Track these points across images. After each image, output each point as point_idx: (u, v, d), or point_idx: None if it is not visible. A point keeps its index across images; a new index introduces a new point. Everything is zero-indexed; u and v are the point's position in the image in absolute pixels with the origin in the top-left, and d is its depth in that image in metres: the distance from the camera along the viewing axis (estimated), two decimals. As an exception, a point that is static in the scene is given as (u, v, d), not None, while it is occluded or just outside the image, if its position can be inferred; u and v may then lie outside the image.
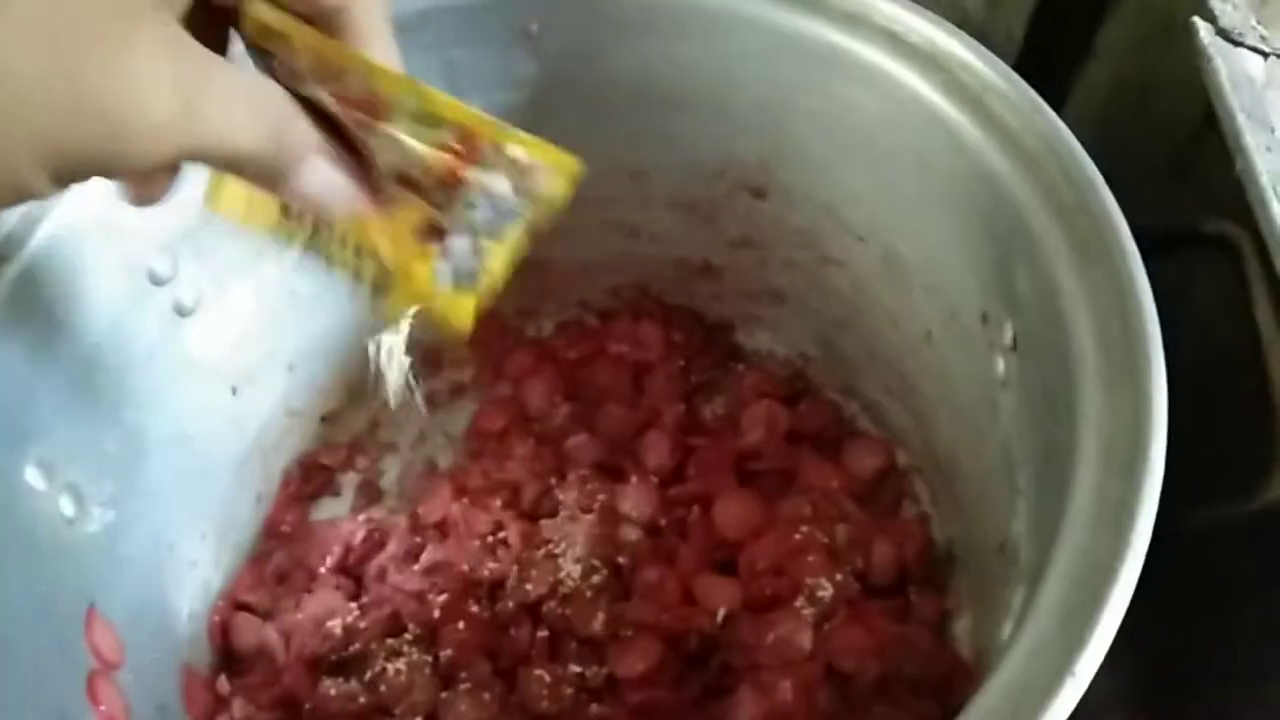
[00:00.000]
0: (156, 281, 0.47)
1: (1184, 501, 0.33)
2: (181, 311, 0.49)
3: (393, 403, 0.42)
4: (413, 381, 0.42)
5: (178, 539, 0.51)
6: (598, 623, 0.50)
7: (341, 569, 0.55)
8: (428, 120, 0.32)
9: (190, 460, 0.52)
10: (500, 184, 0.33)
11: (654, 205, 0.57)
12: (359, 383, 0.61)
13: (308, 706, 0.49)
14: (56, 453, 0.43)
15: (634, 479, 0.56)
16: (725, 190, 0.54)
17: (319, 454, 0.60)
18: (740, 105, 0.50)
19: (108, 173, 0.27)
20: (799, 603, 0.50)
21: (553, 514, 0.55)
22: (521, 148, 0.33)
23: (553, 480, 0.57)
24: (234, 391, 0.54)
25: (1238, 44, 0.41)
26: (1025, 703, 0.28)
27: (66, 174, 0.27)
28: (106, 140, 0.26)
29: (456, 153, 0.33)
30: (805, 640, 0.49)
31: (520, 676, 0.50)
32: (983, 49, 0.41)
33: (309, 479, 0.59)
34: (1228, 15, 0.42)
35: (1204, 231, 0.40)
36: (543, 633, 0.51)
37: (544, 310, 0.64)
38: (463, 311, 0.37)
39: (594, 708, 0.49)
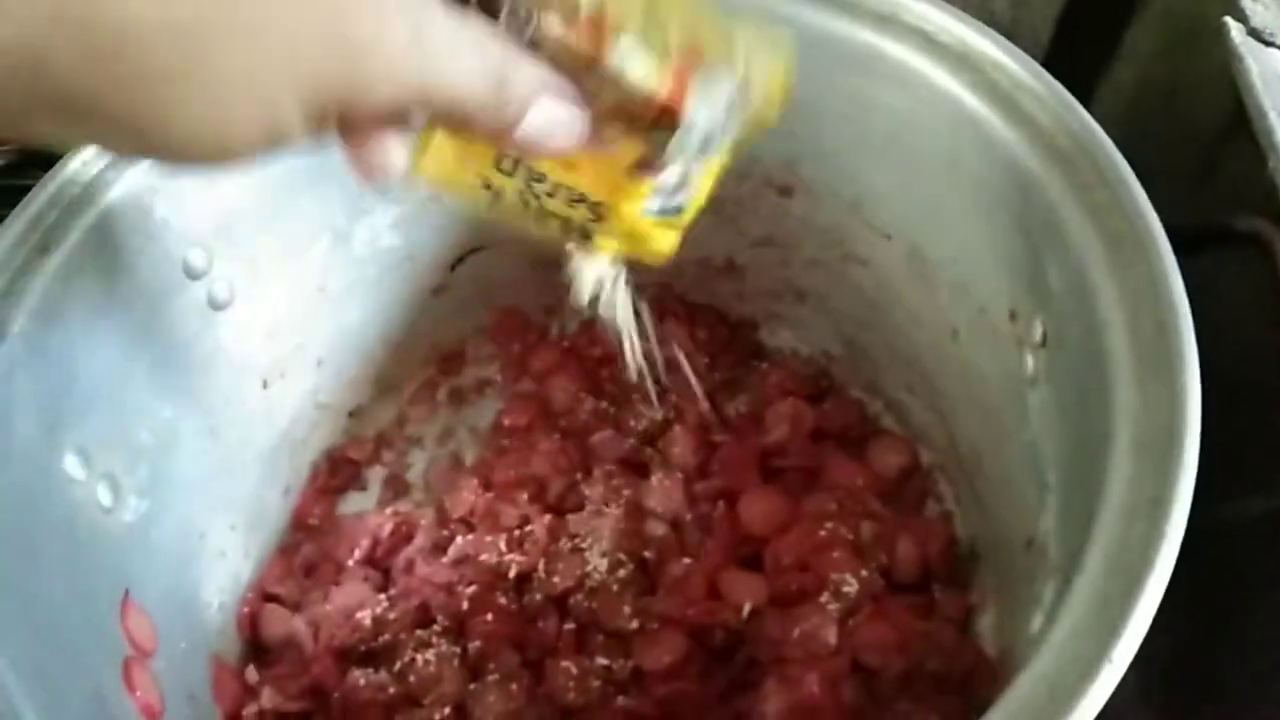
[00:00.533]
0: (192, 275, 0.48)
1: (1213, 496, 0.34)
2: (215, 305, 0.50)
3: (624, 333, 0.42)
4: (640, 308, 0.42)
5: (208, 529, 0.52)
6: (624, 616, 0.51)
7: (369, 561, 0.55)
8: (654, 35, 0.32)
9: (221, 452, 0.52)
10: (717, 102, 0.33)
11: None
12: (386, 378, 0.61)
13: (336, 696, 0.50)
14: (94, 442, 0.44)
15: (659, 474, 0.56)
16: (751, 189, 0.55)
17: (346, 447, 0.60)
18: (769, 104, 0.50)
19: (351, 108, 0.28)
20: (824, 598, 0.51)
21: (578, 508, 0.56)
22: (743, 61, 0.33)
23: (578, 475, 0.57)
24: (265, 385, 0.54)
25: (1269, 44, 0.42)
26: (1062, 688, 0.29)
27: (316, 110, 0.27)
28: (348, 68, 0.27)
29: (678, 73, 0.32)
30: (830, 635, 0.49)
31: (547, 668, 0.50)
32: (1014, 48, 0.42)
33: (336, 472, 0.60)
34: (1259, 15, 0.43)
35: (1235, 229, 0.40)
36: (569, 625, 0.51)
37: (568, 308, 0.64)
38: (667, 241, 0.37)
39: (620, 700, 0.49)
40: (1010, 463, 0.47)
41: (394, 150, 0.31)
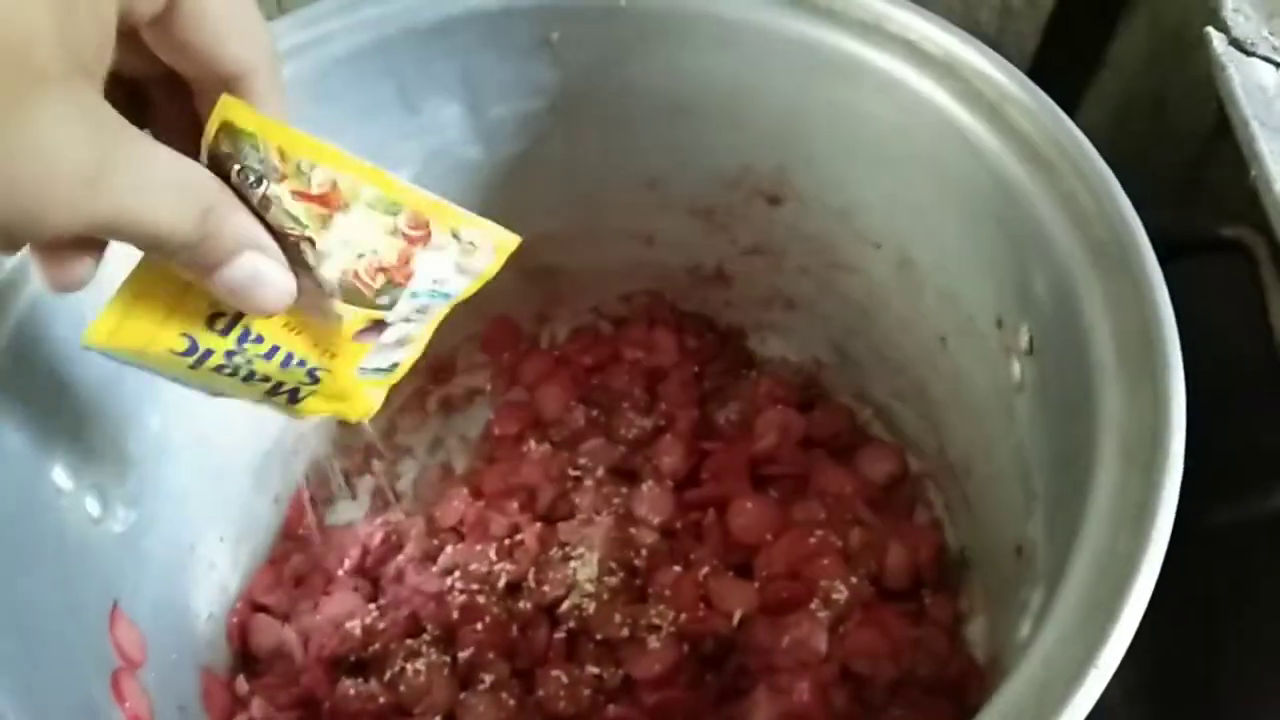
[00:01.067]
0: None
1: (1201, 502, 0.34)
2: (204, 315, 0.49)
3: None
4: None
5: (197, 540, 0.52)
6: (615, 624, 0.51)
7: (359, 571, 0.55)
8: (386, 207, 0.32)
9: (210, 462, 0.52)
10: (445, 264, 0.34)
11: (669, 212, 0.57)
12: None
13: (326, 706, 0.50)
14: (82, 454, 0.44)
15: (649, 483, 0.56)
16: (741, 198, 0.55)
17: (335, 458, 0.60)
18: (757, 114, 0.50)
19: (17, 244, 0.27)
20: (814, 606, 0.51)
21: (569, 517, 0.56)
22: (475, 229, 0.34)
23: (568, 484, 0.57)
24: (254, 395, 0.54)
25: (1250, 54, 0.42)
26: (1049, 694, 0.29)
27: None
28: (14, 209, 0.25)
29: (409, 238, 0.33)
30: (820, 642, 0.49)
31: (538, 677, 0.50)
32: (999, 58, 0.42)
33: (325, 482, 0.59)
34: (1240, 26, 0.43)
35: (1220, 237, 0.40)
36: (560, 634, 0.51)
37: (558, 317, 0.65)
38: (373, 399, 0.38)
39: (611, 709, 0.49)
40: (999, 469, 0.47)
41: (85, 270, 0.30)
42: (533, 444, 0.59)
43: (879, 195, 0.49)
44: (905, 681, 0.49)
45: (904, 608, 0.52)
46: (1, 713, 0.33)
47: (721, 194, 0.55)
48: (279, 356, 0.35)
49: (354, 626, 0.51)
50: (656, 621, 0.51)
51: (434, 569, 0.54)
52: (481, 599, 0.51)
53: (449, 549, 0.55)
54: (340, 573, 0.55)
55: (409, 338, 0.37)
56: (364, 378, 0.37)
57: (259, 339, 0.34)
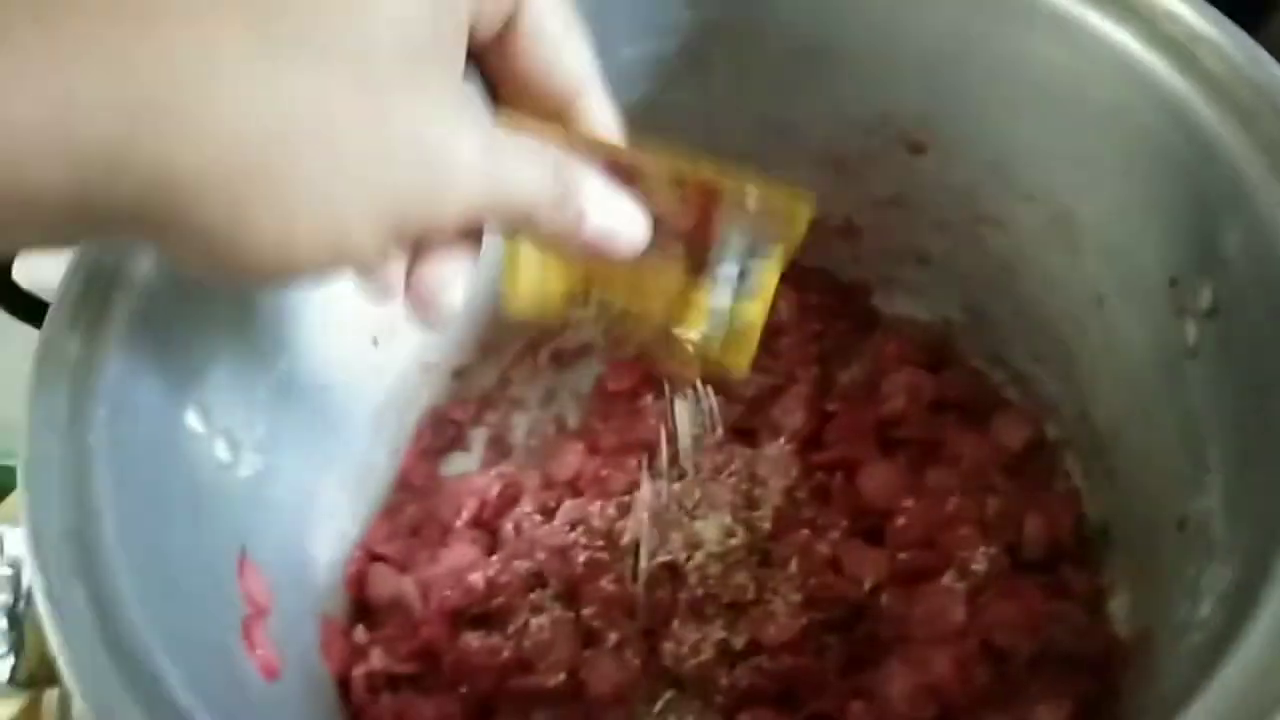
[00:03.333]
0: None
1: None
2: (329, 259, 0.48)
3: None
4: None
5: (317, 488, 0.51)
6: (740, 587, 0.49)
7: (477, 523, 0.54)
8: (673, 181, 0.33)
9: (331, 409, 0.51)
10: (743, 235, 0.35)
11: (800, 161, 0.54)
12: (490, 338, 0.60)
13: (448, 659, 0.49)
14: (214, 398, 0.43)
15: (771, 443, 0.55)
16: (879, 145, 0.52)
17: (450, 408, 0.59)
18: (905, 55, 0.48)
19: (425, 228, 0.28)
20: (949, 576, 0.49)
21: (689, 476, 0.54)
22: (758, 196, 0.34)
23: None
24: (375, 342, 0.53)
25: None
26: (1271, 688, 0.27)
27: (391, 232, 0.27)
28: (426, 189, 0.27)
29: (702, 207, 0.34)
30: (958, 614, 0.48)
31: (662, 637, 0.49)
32: (1191, -7, 0.39)
33: (440, 432, 0.59)
34: None
35: None
36: (684, 594, 0.50)
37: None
38: (741, 354, 0.37)
39: (737, 672, 0.48)
40: (1158, 438, 0.45)
41: (451, 279, 0.31)
42: (649, 399, 0.58)
43: (1039, 145, 0.46)
44: (1044, 656, 0.47)
45: (1042, 580, 0.50)
46: (155, 660, 0.33)
47: (859, 141, 0.52)
48: (632, 315, 0.37)
49: (476, 579, 0.50)
50: (783, 586, 0.50)
51: (555, 523, 0.52)
52: (605, 555, 0.50)
53: (567, 503, 0.54)
54: (458, 524, 0.54)
55: (739, 310, 0.36)
56: (714, 336, 0.37)
57: (611, 304, 0.37)
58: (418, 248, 0.31)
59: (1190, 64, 0.38)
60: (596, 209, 0.31)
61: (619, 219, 0.32)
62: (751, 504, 0.52)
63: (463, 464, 0.59)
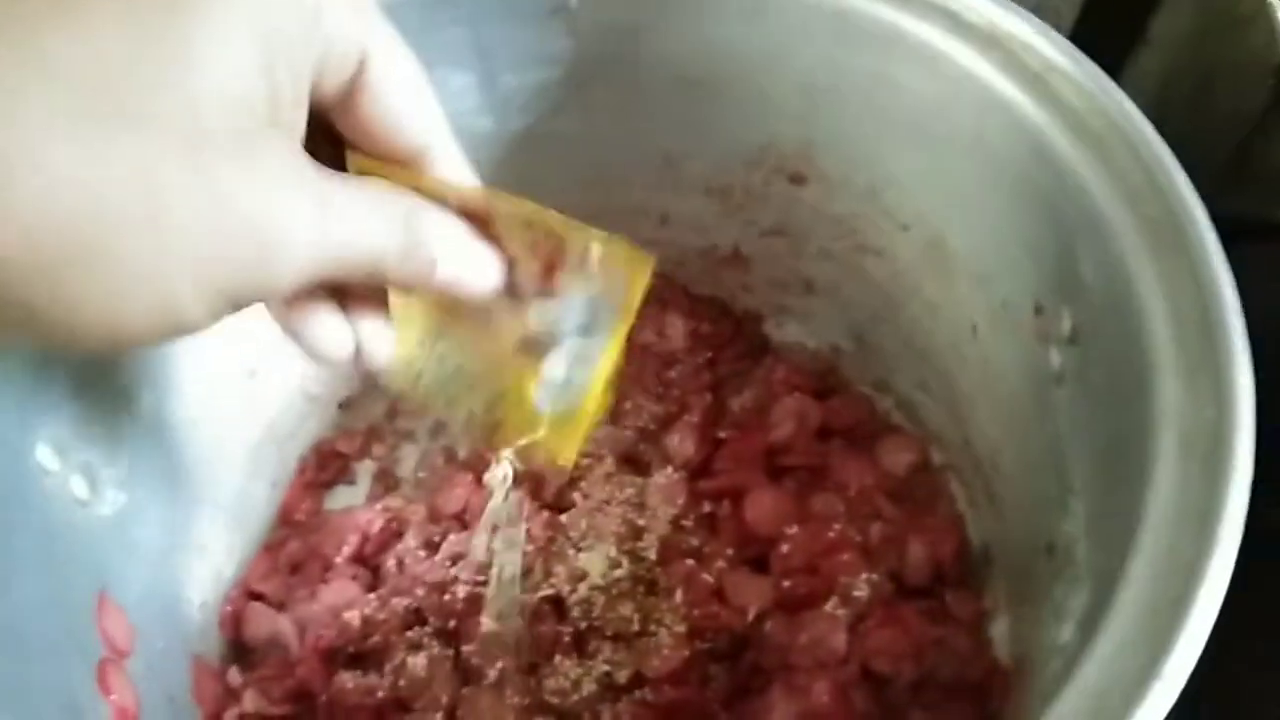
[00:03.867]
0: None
1: (1263, 501, 0.32)
2: (200, 289, 0.47)
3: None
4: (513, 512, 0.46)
5: (190, 525, 0.50)
6: (625, 618, 0.49)
7: (358, 559, 0.53)
8: (522, 223, 0.33)
9: (204, 444, 0.50)
10: (587, 285, 0.34)
11: (686, 191, 0.55)
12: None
13: (323, 700, 0.48)
14: (69, 432, 0.42)
15: (660, 471, 0.54)
16: (762, 176, 0.53)
17: (335, 441, 0.58)
18: (783, 88, 0.48)
19: (260, 294, 0.27)
20: (832, 603, 0.49)
21: (576, 506, 0.54)
22: (601, 250, 0.33)
23: (576, 472, 0.55)
24: (251, 374, 0.52)
25: (1313, 26, 0.40)
26: (1107, 704, 0.27)
27: (220, 300, 0.26)
28: (257, 259, 0.26)
29: (549, 253, 0.33)
30: (840, 641, 0.47)
31: (544, 672, 0.48)
32: (1046, 26, 0.40)
33: (324, 466, 0.57)
34: (1301, -3, 0.41)
35: (1276, 222, 0.38)
36: (568, 628, 0.49)
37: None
38: (569, 441, 0.36)
39: (620, 705, 0.47)
40: (1030, 463, 0.45)
41: (330, 324, 0.32)
42: (539, 430, 0.57)
43: (911, 173, 0.47)
44: (927, 682, 0.47)
45: (925, 605, 0.50)
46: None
47: (741, 172, 0.53)
48: (466, 374, 0.36)
49: (353, 617, 0.49)
50: (668, 616, 0.49)
51: (437, 558, 0.51)
52: (486, 590, 0.49)
53: (452, 537, 0.53)
54: (338, 560, 0.53)
55: (574, 384, 0.36)
56: (545, 405, 0.36)
57: (450, 356, 0.36)
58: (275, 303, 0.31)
59: (1046, 94, 0.39)
60: (448, 254, 0.31)
61: (471, 262, 0.32)
62: (637, 534, 0.52)
63: (349, 498, 0.58)
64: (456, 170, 0.33)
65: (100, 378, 0.43)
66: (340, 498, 0.58)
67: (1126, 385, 0.35)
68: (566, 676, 0.48)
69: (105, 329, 0.25)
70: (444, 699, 0.47)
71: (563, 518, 0.53)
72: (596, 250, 0.33)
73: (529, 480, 0.55)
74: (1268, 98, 0.41)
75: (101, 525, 0.43)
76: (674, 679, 0.47)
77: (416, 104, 0.32)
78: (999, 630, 0.50)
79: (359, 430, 0.59)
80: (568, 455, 0.37)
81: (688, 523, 0.52)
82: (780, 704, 0.46)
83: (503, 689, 0.47)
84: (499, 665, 0.47)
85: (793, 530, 0.51)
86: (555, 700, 0.47)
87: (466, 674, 0.48)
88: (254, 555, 0.54)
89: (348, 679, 0.47)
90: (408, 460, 0.59)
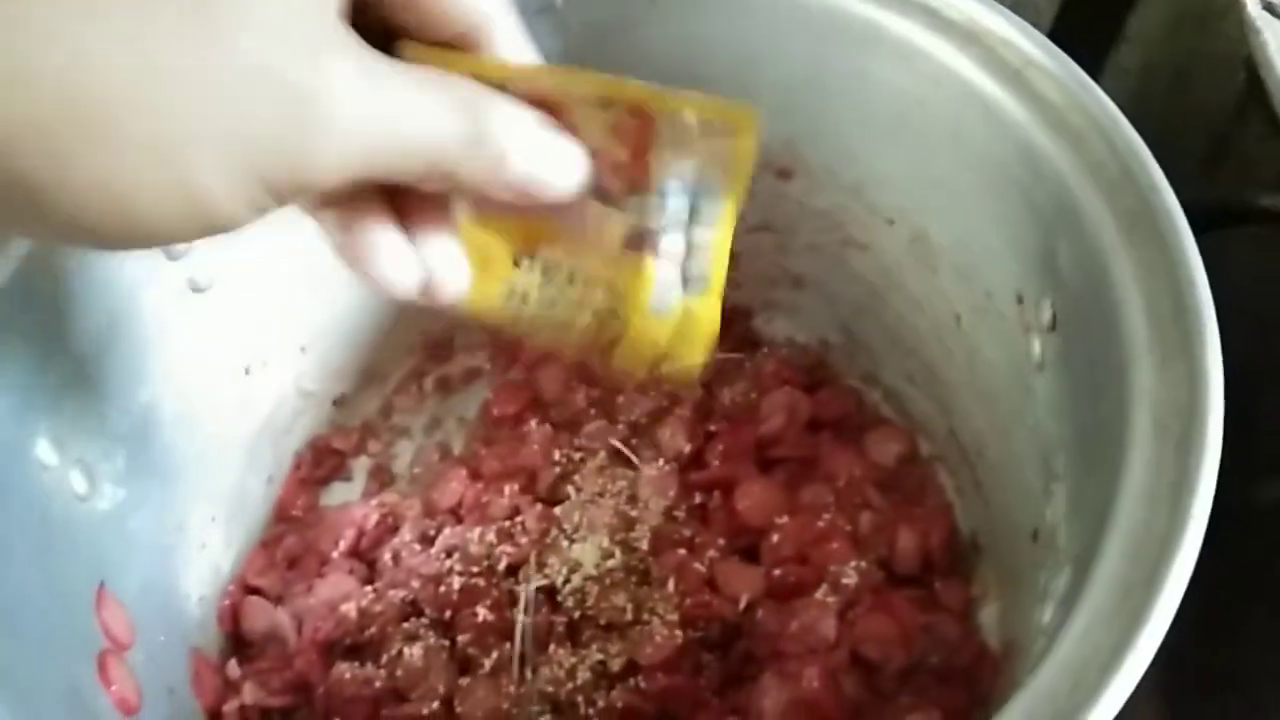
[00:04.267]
0: (171, 256, 0.46)
1: (1233, 480, 0.33)
2: (196, 288, 0.48)
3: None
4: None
5: (187, 520, 0.50)
6: (618, 608, 0.49)
7: (354, 553, 0.54)
8: (598, 102, 0.29)
9: (201, 440, 0.51)
10: (686, 162, 0.30)
11: None
12: (372, 366, 0.60)
13: (320, 691, 0.48)
14: (68, 428, 0.42)
15: (653, 464, 0.55)
16: (749, 172, 0.53)
17: (331, 437, 0.59)
18: (767, 84, 0.49)
19: (301, 180, 0.24)
20: (822, 591, 0.49)
21: (569, 499, 0.54)
22: (694, 110, 0.29)
23: (569, 466, 0.56)
24: (246, 371, 0.52)
25: (1284, 19, 0.41)
26: (1084, 678, 0.28)
27: (256, 186, 0.23)
28: (291, 132, 0.23)
29: (636, 133, 0.29)
30: (829, 628, 0.48)
31: (538, 662, 0.49)
32: (1023, 23, 0.41)
33: (320, 462, 0.58)
34: (1273, -10, 0.42)
35: (1255, 206, 0.39)
36: (561, 617, 0.50)
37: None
38: (696, 342, 0.33)
39: (614, 694, 0.48)
40: (1014, 451, 0.46)
41: (393, 243, 0.28)
42: (533, 425, 0.58)
43: (894, 168, 0.47)
44: (916, 668, 0.48)
45: (914, 593, 0.51)
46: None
47: (729, 168, 0.53)
48: (579, 280, 0.32)
49: (349, 609, 0.50)
50: (660, 606, 0.50)
51: (433, 550, 0.52)
52: (481, 582, 0.50)
53: (447, 531, 0.53)
54: (335, 555, 0.53)
55: (694, 254, 0.31)
56: (663, 318, 0.32)
57: (556, 265, 0.32)
58: (324, 203, 0.27)
59: (1024, 89, 0.40)
60: (520, 146, 0.27)
61: (549, 155, 0.28)
62: (630, 525, 0.52)
63: (344, 494, 0.59)
64: (519, 47, 0.29)
65: (97, 374, 0.44)
66: (336, 494, 0.58)
67: (1104, 371, 0.36)
68: (561, 665, 0.48)
69: (118, 215, 0.22)
70: (440, 689, 0.47)
71: (556, 510, 0.53)
72: (690, 116, 0.28)
73: (521, 475, 0.56)
74: (1241, 89, 0.41)
75: (100, 520, 0.44)
76: (667, 667, 0.48)
77: None
78: (988, 616, 0.50)
79: (354, 427, 0.59)
80: (697, 357, 0.33)
81: (679, 514, 0.53)
82: (772, 690, 0.47)
83: (498, 678, 0.48)
84: (494, 655, 0.48)
85: (783, 520, 0.52)
86: (550, 689, 0.48)
87: (462, 664, 0.49)
88: (251, 550, 0.54)
89: (345, 670, 0.48)
90: (403, 456, 0.60)
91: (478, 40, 0.28)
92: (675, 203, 0.30)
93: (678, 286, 0.32)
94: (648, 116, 0.28)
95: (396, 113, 0.25)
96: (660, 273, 0.31)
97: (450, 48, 0.28)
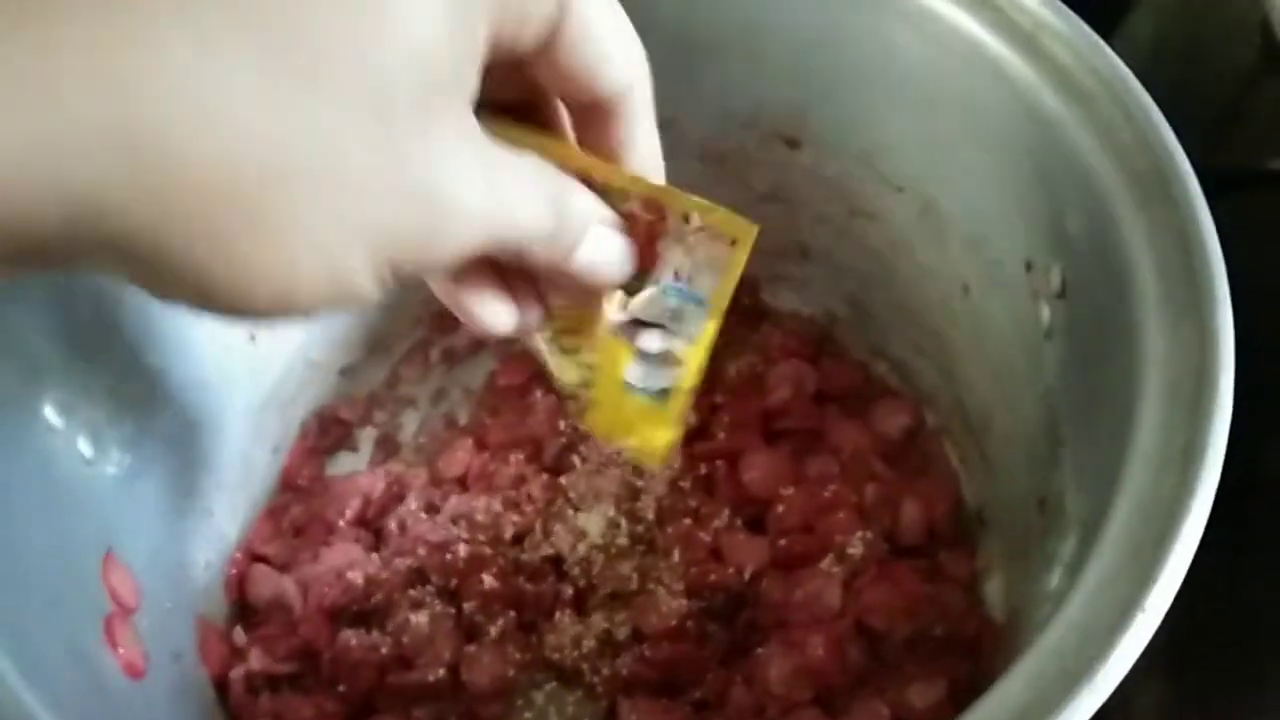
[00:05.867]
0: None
1: (1236, 447, 0.32)
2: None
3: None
4: None
5: (194, 486, 0.50)
6: (623, 577, 0.50)
7: (360, 521, 0.54)
8: (617, 192, 0.31)
9: (208, 407, 0.51)
10: (684, 255, 0.32)
11: (682, 157, 0.54)
12: (379, 336, 0.60)
13: (326, 657, 0.48)
14: (75, 392, 0.42)
15: (658, 435, 0.55)
16: (757, 140, 0.53)
17: (337, 407, 0.58)
18: (776, 50, 0.49)
19: (422, 267, 0.26)
20: (827, 561, 0.49)
21: (575, 469, 0.54)
22: (701, 214, 0.31)
23: (575, 436, 0.56)
24: (252, 339, 0.52)
25: (1300, -17, 0.40)
26: (1093, 636, 0.28)
27: (388, 270, 0.25)
28: (428, 232, 0.25)
29: (649, 224, 0.31)
30: (834, 597, 0.48)
31: (544, 629, 0.49)
32: (1035, -16, 0.40)
33: (326, 432, 0.58)
34: (1289, -46, 0.41)
35: (1268, 170, 0.39)
36: (568, 586, 0.50)
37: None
38: (659, 433, 0.35)
39: (619, 662, 0.48)
40: (1021, 420, 0.46)
41: (494, 298, 0.31)
42: (538, 395, 0.58)
43: (903, 135, 0.47)
44: (921, 638, 0.48)
45: (919, 564, 0.51)
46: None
47: (737, 136, 0.53)
48: (571, 348, 0.35)
49: (355, 576, 0.50)
50: (666, 575, 0.50)
51: (439, 518, 0.52)
52: (487, 550, 0.50)
53: (453, 499, 0.53)
54: (341, 523, 0.53)
55: (672, 355, 0.34)
56: (635, 395, 0.35)
57: (575, 348, 0.35)
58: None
59: (1036, 52, 0.40)
60: (590, 239, 0.30)
61: (609, 250, 0.31)
62: (635, 495, 0.53)
63: (350, 463, 0.59)
64: (646, 117, 0.31)
65: (105, 339, 0.44)
66: (343, 463, 0.58)
67: (1114, 336, 0.36)
68: (566, 633, 0.49)
69: (274, 295, 0.24)
70: (446, 655, 0.48)
71: (562, 479, 0.54)
72: (696, 218, 0.31)
73: (527, 445, 0.56)
74: (1255, 55, 0.41)
75: (107, 484, 0.44)
76: (672, 635, 0.48)
77: (621, 44, 0.29)
78: (993, 588, 0.50)
79: (360, 397, 0.59)
80: (660, 454, 0.36)
81: (685, 484, 0.53)
82: (777, 659, 0.47)
83: (504, 646, 0.48)
84: (499, 623, 0.48)
85: (789, 491, 0.52)
86: (555, 657, 0.48)
87: (468, 631, 0.49)
88: (257, 518, 0.54)
89: (351, 637, 0.48)
90: (409, 426, 0.60)
91: (619, 107, 0.30)
92: (668, 301, 0.32)
93: (650, 369, 0.34)
94: (661, 210, 0.31)
95: (505, 214, 0.27)
96: (640, 349, 0.34)
97: (522, 121, 0.30)
